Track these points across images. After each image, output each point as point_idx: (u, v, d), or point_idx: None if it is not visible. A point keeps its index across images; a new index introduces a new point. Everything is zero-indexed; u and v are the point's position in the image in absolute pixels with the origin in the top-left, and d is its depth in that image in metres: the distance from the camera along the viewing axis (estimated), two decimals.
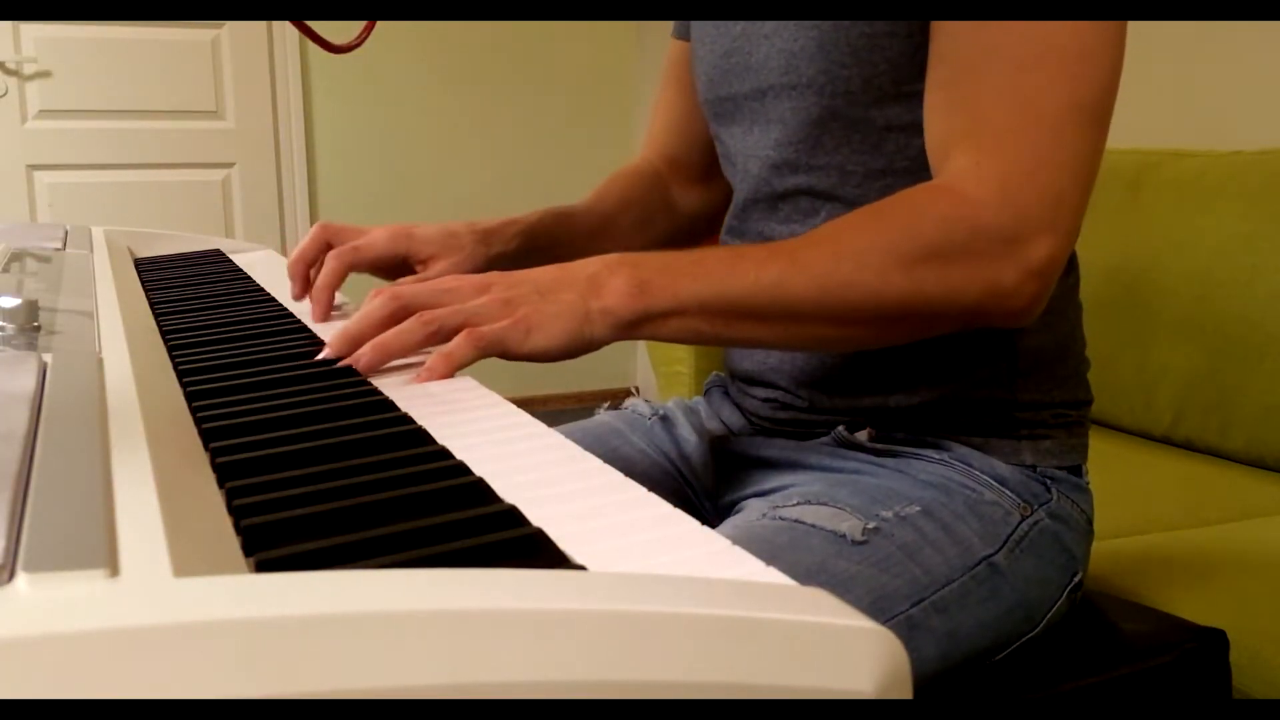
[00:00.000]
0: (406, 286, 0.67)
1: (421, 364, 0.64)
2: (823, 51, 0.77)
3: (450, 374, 0.62)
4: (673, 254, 0.71)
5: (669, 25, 1.06)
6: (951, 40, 0.72)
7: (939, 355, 0.80)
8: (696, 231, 1.07)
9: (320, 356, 0.65)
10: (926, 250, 0.68)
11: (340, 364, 0.64)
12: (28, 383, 0.46)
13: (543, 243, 0.94)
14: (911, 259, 0.68)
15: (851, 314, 0.69)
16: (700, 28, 0.91)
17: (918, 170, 0.78)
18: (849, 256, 0.68)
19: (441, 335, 0.64)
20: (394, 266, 0.88)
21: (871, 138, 0.78)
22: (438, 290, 0.66)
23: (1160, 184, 1.63)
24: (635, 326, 0.67)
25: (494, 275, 0.68)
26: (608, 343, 0.68)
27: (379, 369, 0.64)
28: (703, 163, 1.03)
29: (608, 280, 0.67)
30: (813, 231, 0.72)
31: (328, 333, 0.77)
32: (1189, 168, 1.62)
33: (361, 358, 0.63)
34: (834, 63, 0.77)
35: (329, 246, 0.87)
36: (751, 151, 0.86)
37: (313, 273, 0.88)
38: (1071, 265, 0.83)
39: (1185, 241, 1.57)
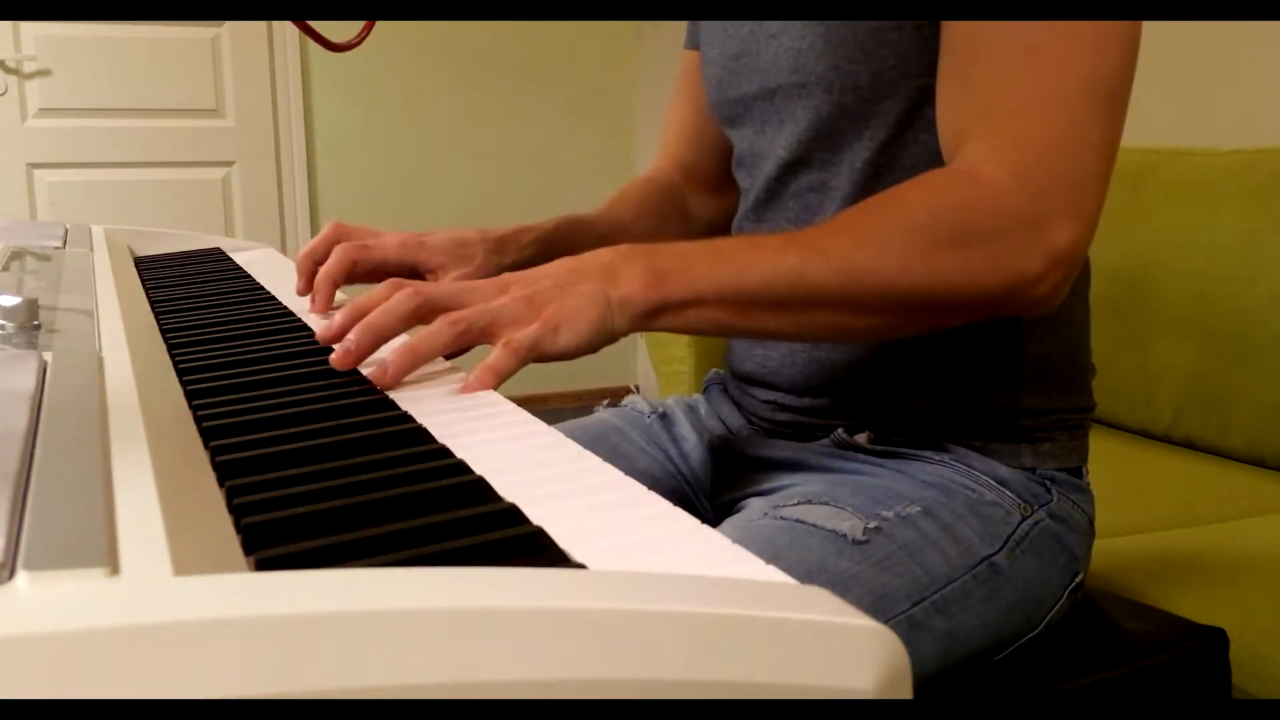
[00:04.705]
0: (426, 284, 0.66)
1: (428, 374, 0.64)
2: (830, 49, 0.77)
3: (495, 387, 0.61)
4: (688, 243, 0.70)
5: (669, 25, 1.06)
6: (961, 28, 0.71)
7: (942, 361, 0.80)
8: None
9: (339, 350, 0.63)
10: (947, 236, 0.67)
11: (368, 372, 0.61)
12: (28, 381, 0.46)
13: (558, 250, 0.93)
14: (932, 245, 0.67)
15: (872, 301, 0.68)
16: (709, 31, 0.91)
17: (927, 166, 0.77)
18: (869, 244, 0.67)
19: (469, 337, 0.63)
20: (402, 275, 0.87)
21: (882, 133, 0.78)
22: (459, 290, 0.65)
23: (1160, 184, 1.63)
24: (653, 316, 0.66)
25: (510, 275, 0.67)
26: (627, 334, 0.67)
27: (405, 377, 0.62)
28: (718, 171, 1.02)
29: (623, 269, 0.66)
30: (831, 219, 0.71)
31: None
32: (1189, 167, 1.62)
33: (391, 363, 0.60)
34: (842, 59, 0.77)
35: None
36: (763, 152, 0.85)
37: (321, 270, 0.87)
38: (1083, 270, 0.83)
39: (1185, 241, 1.57)
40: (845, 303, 0.68)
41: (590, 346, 0.65)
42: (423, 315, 0.64)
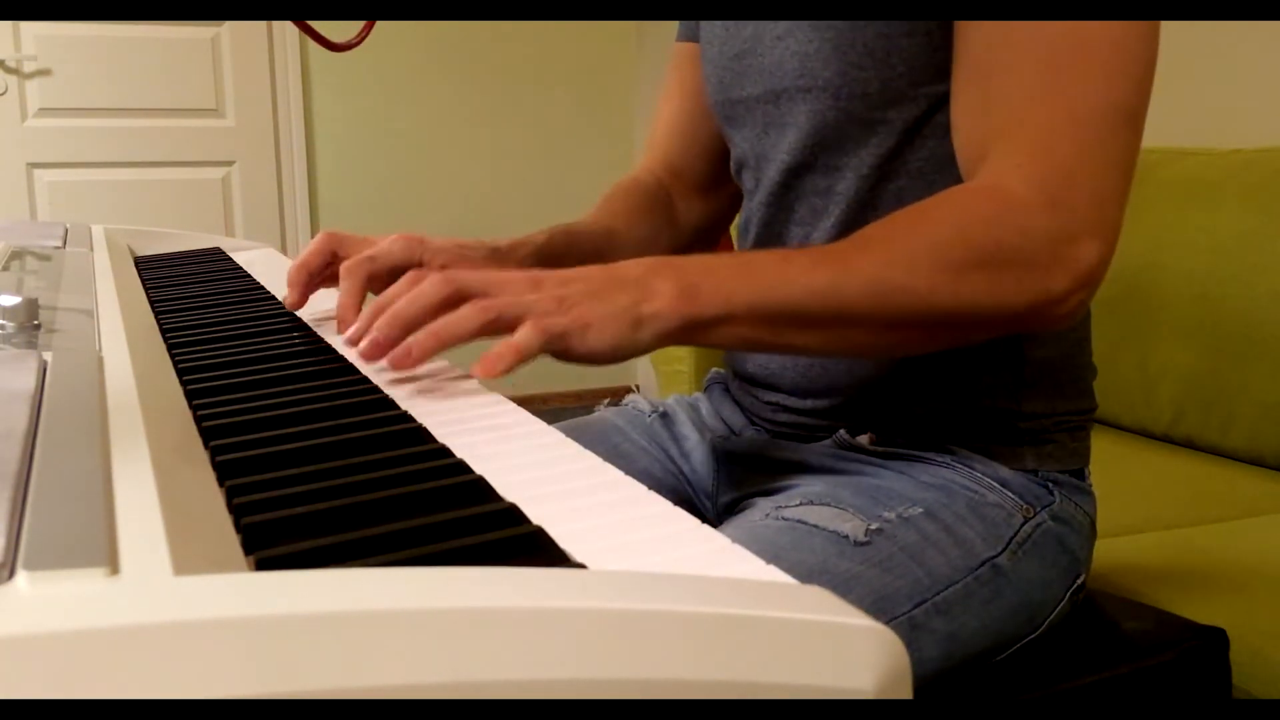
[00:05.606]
0: (457, 271, 0.64)
1: (428, 374, 0.63)
2: (838, 54, 0.76)
3: (515, 366, 0.59)
4: (717, 256, 0.69)
5: (669, 25, 1.05)
6: (980, 38, 0.70)
7: (945, 366, 0.80)
8: (697, 245, 1.05)
9: (366, 341, 0.62)
10: (977, 255, 0.66)
11: (392, 354, 0.61)
12: (28, 381, 0.46)
13: (551, 264, 0.92)
14: (961, 264, 0.66)
15: (903, 319, 0.67)
16: (709, 28, 0.90)
17: (933, 171, 0.77)
18: (900, 261, 0.67)
19: (497, 326, 0.61)
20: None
21: (889, 140, 0.78)
22: (491, 280, 0.63)
23: (1160, 183, 1.63)
24: (683, 333, 0.65)
25: (543, 272, 0.65)
26: (654, 348, 0.65)
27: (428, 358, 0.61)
28: (707, 171, 1.01)
29: (655, 284, 0.64)
30: (859, 234, 0.70)
31: (326, 330, 0.76)
32: (1189, 166, 1.62)
33: (415, 344, 0.60)
34: (850, 65, 0.76)
35: (334, 256, 0.84)
36: (766, 155, 0.85)
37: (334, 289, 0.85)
38: None
39: (1185, 241, 1.57)
40: (876, 321, 0.67)
41: (614, 355, 0.64)
42: (453, 303, 0.62)
